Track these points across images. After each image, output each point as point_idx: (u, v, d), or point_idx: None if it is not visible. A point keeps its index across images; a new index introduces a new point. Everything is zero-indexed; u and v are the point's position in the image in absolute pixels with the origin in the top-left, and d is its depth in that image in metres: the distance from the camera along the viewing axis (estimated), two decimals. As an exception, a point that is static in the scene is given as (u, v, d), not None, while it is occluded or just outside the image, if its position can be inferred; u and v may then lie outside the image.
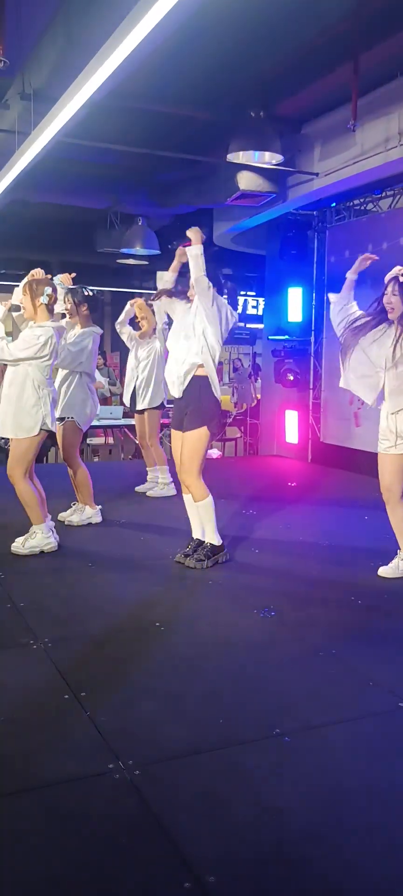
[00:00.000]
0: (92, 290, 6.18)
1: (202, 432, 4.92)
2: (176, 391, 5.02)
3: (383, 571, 4.92)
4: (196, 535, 5.10)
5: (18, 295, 5.39)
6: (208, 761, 2.72)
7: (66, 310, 6.01)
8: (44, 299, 5.11)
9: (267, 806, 2.46)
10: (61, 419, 5.87)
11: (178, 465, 5.10)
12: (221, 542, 5.09)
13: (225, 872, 2.15)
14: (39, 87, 6.27)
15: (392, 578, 4.86)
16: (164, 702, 3.14)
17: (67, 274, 6.01)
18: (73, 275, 6.08)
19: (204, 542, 5.04)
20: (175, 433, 5.14)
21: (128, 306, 7.50)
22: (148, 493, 7.42)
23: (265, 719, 3.02)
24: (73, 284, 6.17)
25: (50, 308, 5.17)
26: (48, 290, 5.13)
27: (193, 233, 4.90)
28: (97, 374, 7.37)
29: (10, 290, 5.28)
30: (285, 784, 2.60)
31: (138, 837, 2.28)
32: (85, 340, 5.95)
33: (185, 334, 4.94)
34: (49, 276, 5.53)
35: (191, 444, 4.93)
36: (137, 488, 7.56)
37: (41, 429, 5.09)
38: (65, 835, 2.29)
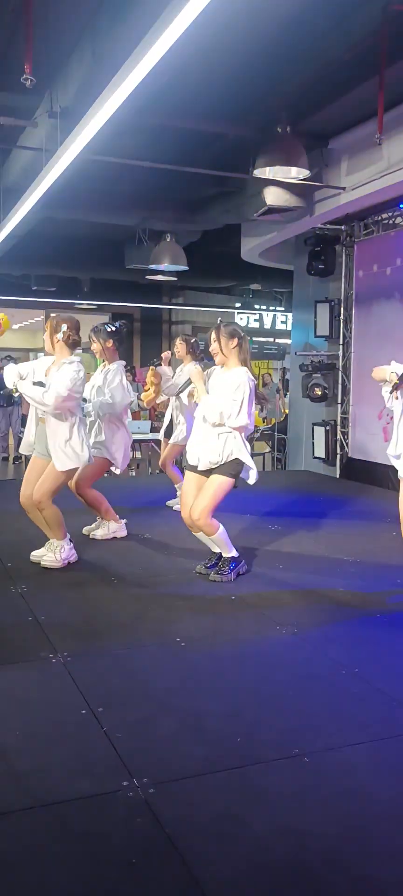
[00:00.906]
0: (114, 326, 6.18)
1: (228, 481, 4.87)
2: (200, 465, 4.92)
3: (409, 589, 4.83)
4: (215, 550, 5.14)
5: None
6: (225, 781, 2.67)
7: (94, 349, 6.08)
8: (59, 335, 5.16)
9: (286, 828, 2.41)
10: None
11: (186, 508, 4.96)
12: (237, 553, 5.09)
13: (238, 896, 2.10)
14: (67, 105, 6.32)
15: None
16: (182, 719, 3.10)
17: None
18: None
19: (223, 555, 5.06)
20: (191, 475, 5.00)
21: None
22: (174, 508, 7.39)
23: (284, 738, 2.97)
24: (96, 324, 6.25)
25: (69, 343, 5.18)
26: (64, 326, 5.17)
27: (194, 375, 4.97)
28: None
29: (42, 306, 5.27)
30: (304, 806, 2.54)
31: (150, 858, 2.25)
32: (115, 380, 5.97)
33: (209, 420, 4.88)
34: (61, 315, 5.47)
35: (215, 486, 4.83)
36: (168, 503, 7.55)
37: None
38: (78, 853, 2.26)
